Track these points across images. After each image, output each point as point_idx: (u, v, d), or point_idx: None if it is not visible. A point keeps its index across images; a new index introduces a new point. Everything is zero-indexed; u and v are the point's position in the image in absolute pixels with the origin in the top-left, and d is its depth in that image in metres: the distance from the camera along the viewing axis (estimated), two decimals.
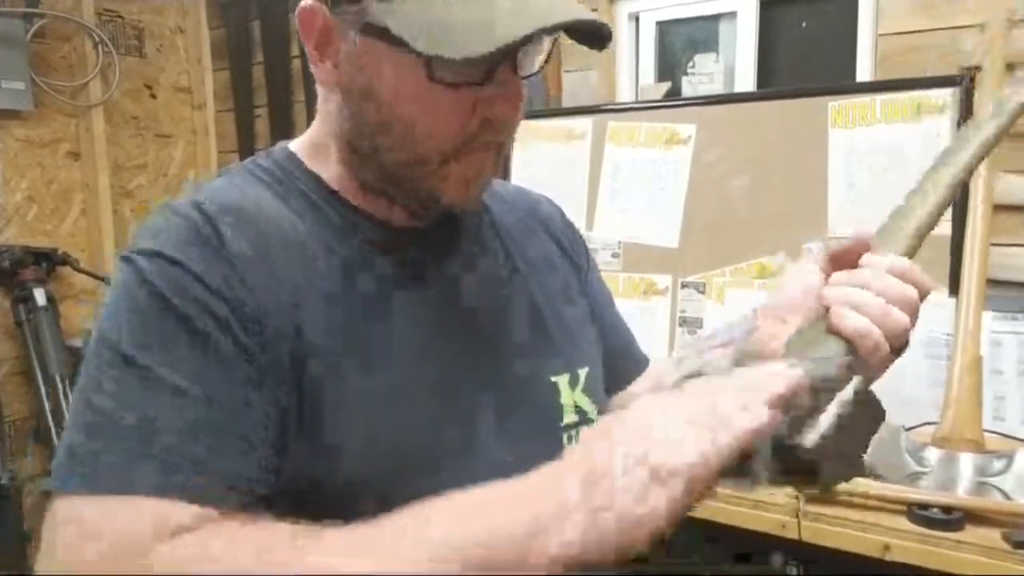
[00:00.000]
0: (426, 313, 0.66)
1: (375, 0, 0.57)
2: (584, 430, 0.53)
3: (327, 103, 0.66)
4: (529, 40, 0.56)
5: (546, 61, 0.63)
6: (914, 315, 0.59)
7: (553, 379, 0.71)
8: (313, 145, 0.69)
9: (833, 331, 0.56)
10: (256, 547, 0.47)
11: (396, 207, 0.67)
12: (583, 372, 0.74)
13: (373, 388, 0.60)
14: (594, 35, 0.59)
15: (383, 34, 0.57)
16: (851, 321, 0.56)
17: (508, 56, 0.59)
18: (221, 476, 0.52)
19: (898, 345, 0.58)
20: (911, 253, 0.62)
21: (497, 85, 0.60)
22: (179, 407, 0.52)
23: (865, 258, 0.61)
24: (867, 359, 0.56)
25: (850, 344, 0.56)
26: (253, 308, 0.56)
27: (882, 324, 0.56)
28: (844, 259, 0.63)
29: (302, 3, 0.61)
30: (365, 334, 0.62)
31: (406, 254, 0.67)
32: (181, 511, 0.49)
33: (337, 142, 0.66)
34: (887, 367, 0.59)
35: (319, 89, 0.67)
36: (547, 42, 0.62)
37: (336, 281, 0.62)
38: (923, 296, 0.60)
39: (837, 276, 0.61)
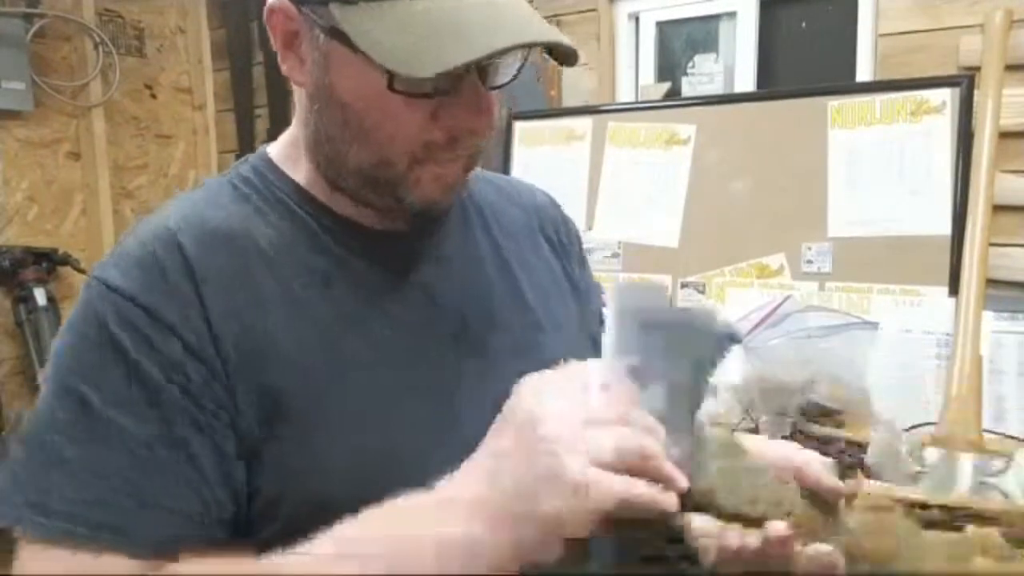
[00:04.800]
0: (409, 317, 0.66)
1: (339, 5, 0.56)
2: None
3: (299, 101, 0.66)
4: (488, 59, 0.55)
5: (520, 69, 0.61)
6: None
7: None
8: (288, 146, 0.70)
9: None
10: None
11: (369, 209, 0.66)
12: None
13: (357, 399, 0.60)
14: (563, 53, 0.58)
15: (346, 40, 0.56)
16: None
17: (470, 70, 0.58)
18: (152, 522, 0.54)
19: None
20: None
21: (462, 96, 0.59)
22: (120, 451, 0.54)
23: None
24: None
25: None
26: (214, 338, 0.57)
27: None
28: None
29: (270, 1, 0.60)
30: (345, 346, 0.61)
31: (386, 258, 0.67)
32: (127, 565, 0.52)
33: (306, 142, 0.66)
34: None
35: (293, 87, 0.67)
36: (520, 52, 0.59)
37: (314, 294, 0.62)
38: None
39: None
